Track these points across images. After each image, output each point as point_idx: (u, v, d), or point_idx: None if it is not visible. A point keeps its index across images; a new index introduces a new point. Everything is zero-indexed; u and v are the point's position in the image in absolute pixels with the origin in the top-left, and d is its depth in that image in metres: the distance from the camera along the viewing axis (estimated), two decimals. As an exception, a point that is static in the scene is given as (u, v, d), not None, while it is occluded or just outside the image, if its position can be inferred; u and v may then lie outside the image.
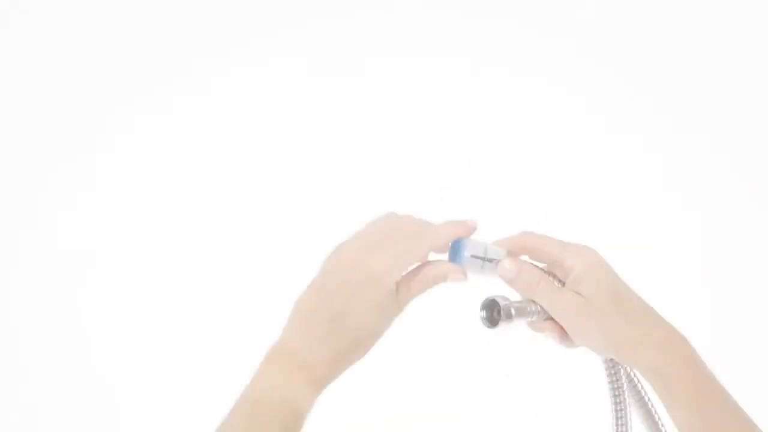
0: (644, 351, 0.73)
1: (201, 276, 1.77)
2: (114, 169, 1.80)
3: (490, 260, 0.74)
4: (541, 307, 0.75)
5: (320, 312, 0.70)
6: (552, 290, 0.74)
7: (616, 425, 0.78)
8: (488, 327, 0.76)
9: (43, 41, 1.80)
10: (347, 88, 1.81)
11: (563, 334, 0.77)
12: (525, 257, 0.77)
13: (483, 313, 0.76)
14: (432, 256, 0.74)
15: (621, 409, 0.78)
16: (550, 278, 0.75)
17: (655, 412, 0.79)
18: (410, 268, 0.73)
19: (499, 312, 0.74)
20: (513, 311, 0.74)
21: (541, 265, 0.77)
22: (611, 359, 0.78)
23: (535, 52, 1.82)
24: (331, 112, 1.81)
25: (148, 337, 1.75)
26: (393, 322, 0.71)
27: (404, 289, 0.72)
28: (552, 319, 0.76)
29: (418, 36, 1.82)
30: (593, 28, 1.83)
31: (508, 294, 0.76)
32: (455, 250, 0.74)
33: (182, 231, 1.78)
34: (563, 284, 0.75)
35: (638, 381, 0.79)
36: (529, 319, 0.76)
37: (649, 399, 0.79)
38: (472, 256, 0.73)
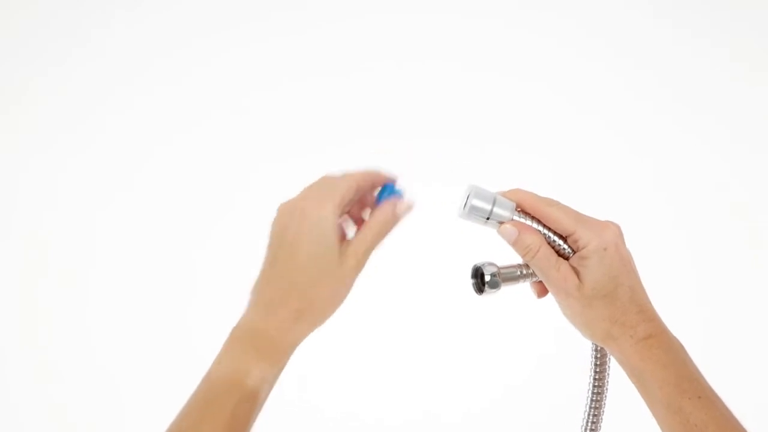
0: (623, 347, 0.73)
1: (194, 274, 1.78)
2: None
3: (495, 217, 0.72)
4: (533, 270, 0.74)
5: (266, 279, 0.68)
6: (549, 262, 0.72)
7: (589, 408, 0.78)
8: (477, 293, 0.76)
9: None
10: (344, 88, 1.82)
11: (543, 295, 0.77)
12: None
13: (472, 280, 0.76)
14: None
15: (598, 393, 0.78)
16: (550, 249, 0.73)
17: None
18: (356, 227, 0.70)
19: (484, 281, 0.74)
20: (500, 280, 0.74)
21: (546, 231, 0.74)
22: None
23: (532, 52, 1.83)
24: (328, 111, 1.82)
25: (145, 333, 1.75)
26: (350, 275, 0.67)
27: (356, 241, 0.68)
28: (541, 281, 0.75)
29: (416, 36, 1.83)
30: (592, 28, 1.84)
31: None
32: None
33: (175, 229, 1.79)
34: (572, 253, 0.73)
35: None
36: (519, 283, 0.75)
37: None
38: (477, 209, 0.71)
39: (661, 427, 0.72)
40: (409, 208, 0.70)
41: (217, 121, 1.81)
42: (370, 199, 0.72)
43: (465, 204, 0.72)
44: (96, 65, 1.82)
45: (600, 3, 1.83)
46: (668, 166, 1.80)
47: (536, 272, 0.74)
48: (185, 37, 1.82)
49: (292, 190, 1.98)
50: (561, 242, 0.73)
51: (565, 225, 0.72)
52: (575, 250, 0.73)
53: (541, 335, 1.69)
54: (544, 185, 1.83)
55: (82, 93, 1.81)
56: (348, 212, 0.72)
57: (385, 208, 0.70)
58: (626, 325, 0.72)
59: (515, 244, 0.73)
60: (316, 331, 0.69)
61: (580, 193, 1.76)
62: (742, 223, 1.78)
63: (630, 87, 1.81)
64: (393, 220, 0.70)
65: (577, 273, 0.72)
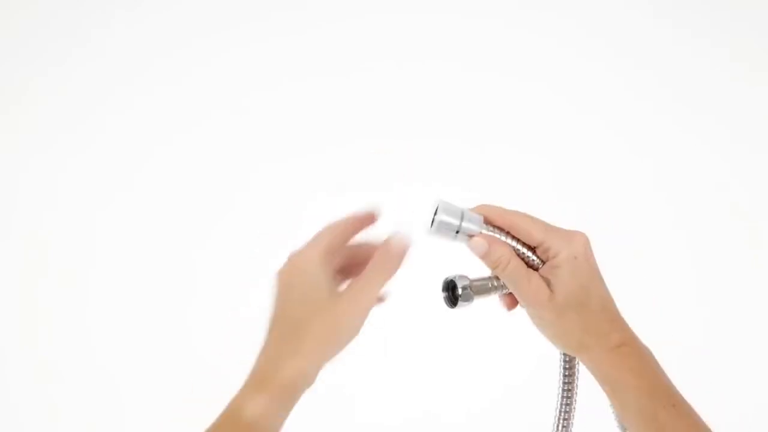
0: (596, 356, 0.72)
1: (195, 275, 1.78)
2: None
3: (464, 231, 0.72)
4: (504, 283, 0.74)
5: (268, 327, 0.70)
6: (520, 274, 0.72)
7: (559, 419, 0.78)
8: (449, 307, 0.75)
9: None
10: (344, 88, 1.82)
11: (512, 308, 0.77)
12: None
13: (443, 294, 0.76)
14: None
15: (567, 404, 0.78)
16: (520, 261, 0.73)
17: None
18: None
19: (457, 294, 0.74)
20: (472, 293, 0.74)
21: (515, 243, 0.74)
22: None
23: (532, 52, 1.83)
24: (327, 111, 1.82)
25: (146, 334, 1.75)
26: (348, 313, 0.69)
27: (355, 282, 0.70)
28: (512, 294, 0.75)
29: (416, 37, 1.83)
30: (593, 29, 1.84)
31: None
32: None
33: (175, 231, 1.79)
34: (542, 263, 0.73)
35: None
36: (491, 295, 0.75)
37: None
38: (446, 224, 0.71)
39: None
40: (406, 245, 0.71)
41: (217, 121, 1.81)
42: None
43: (433, 220, 0.72)
44: (96, 65, 1.82)
45: (600, 3, 1.83)
46: (668, 166, 1.80)
47: (507, 284, 0.74)
48: (185, 37, 1.82)
49: (292, 190, 1.98)
50: (530, 254, 0.73)
51: (535, 234, 0.72)
52: (545, 260, 0.73)
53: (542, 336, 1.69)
54: (544, 185, 1.84)
55: (82, 93, 1.81)
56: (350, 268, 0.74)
57: (381, 249, 0.71)
58: (599, 334, 0.72)
59: (485, 257, 0.72)
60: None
61: (580, 193, 1.77)
62: (742, 223, 1.78)
63: (630, 87, 1.82)
64: (391, 261, 0.71)
65: (548, 283, 0.72)
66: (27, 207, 1.79)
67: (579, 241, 0.72)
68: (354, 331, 0.70)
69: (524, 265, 0.73)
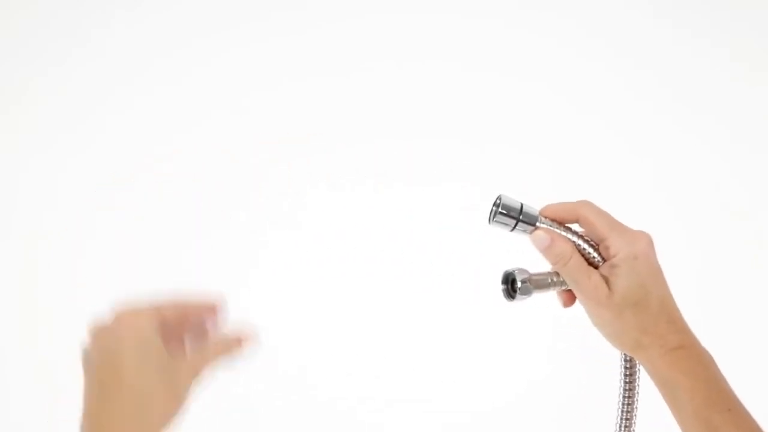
0: (652, 357, 0.72)
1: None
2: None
3: (523, 222, 0.73)
4: (564, 279, 0.75)
5: (95, 410, 0.62)
6: (580, 271, 0.72)
7: (621, 419, 0.78)
8: (507, 299, 0.75)
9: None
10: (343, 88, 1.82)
11: (569, 304, 0.77)
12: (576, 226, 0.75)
13: (503, 286, 0.76)
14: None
15: (629, 404, 0.78)
16: (581, 258, 0.73)
17: None
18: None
19: (516, 287, 0.74)
20: (531, 286, 0.74)
21: (576, 239, 0.74)
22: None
23: (532, 52, 1.83)
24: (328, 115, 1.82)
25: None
26: (187, 388, 0.63)
27: (198, 354, 0.66)
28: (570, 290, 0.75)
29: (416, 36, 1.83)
30: (593, 28, 1.84)
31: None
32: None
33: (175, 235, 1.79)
34: (602, 261, 0.73)
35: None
36: (549, 290, 0.75)
37: None
38: (505, 215, 0.72)
39: None
40: (254, 339, 0.67)
41: (217, 121, 1.81)
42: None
43: (492, 212, 0.73)
44: (96, 65, 1.82)
45: (600, 3, 1.83)
46: (668, 166, 1.80)
47: (567, 281, 0.74)
48: (185, 37, 1.82)
49: (292, 191, 1.97)
50: (591, 251, 0.74)
51: (600, 229, 0.73)
52: (605, 258, 0.73)
53: (563, 332, 1.69)
54: (544, 185, 1.83)
55: (82, 93, 1.81)
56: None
57: (233, 335, 0.68)
58: (656, 335, 0.72)
59: (546, 251, 0.73)
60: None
61: (580, 193, 1.76)
62: (742, 223, 1.78)
63: (630, 87, 1.81)
64: (236, 348, 0.67)
65: (607, 282, 0.72)
66: (27, 207, 1.79)
67: (641, 241, 0.73)
68: (185, 401, 0.64)
69: (585, 262, 0.73)
